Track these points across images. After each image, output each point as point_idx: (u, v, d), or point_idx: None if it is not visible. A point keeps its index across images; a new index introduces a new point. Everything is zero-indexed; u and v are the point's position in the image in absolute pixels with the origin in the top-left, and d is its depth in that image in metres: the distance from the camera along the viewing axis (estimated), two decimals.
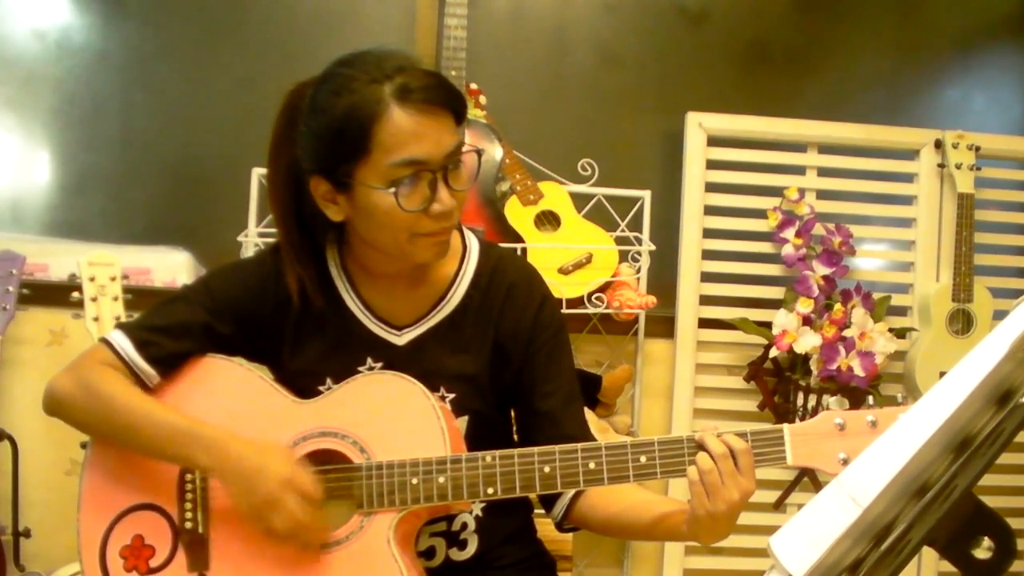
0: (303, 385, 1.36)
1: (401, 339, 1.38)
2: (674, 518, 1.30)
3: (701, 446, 1.23)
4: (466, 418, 1.38)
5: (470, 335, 1.39)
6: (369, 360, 1.37)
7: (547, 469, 1.26)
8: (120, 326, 1.38)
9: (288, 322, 1.38)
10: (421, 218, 1.26)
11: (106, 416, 1.30)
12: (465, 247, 1.43)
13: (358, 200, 1.27)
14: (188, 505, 1.31)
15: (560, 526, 1.44)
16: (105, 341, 1.36)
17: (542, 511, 1.46)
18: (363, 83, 1.23)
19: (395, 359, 1.37)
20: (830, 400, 1.26)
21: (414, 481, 1.26)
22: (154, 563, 1.30)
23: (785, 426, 1.24)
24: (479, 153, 1.33)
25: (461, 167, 1.28)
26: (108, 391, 1.30)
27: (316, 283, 1.37)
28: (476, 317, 1.39)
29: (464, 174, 1.29)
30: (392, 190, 1.23)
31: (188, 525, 1.31)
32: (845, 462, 1.20)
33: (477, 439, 1.34)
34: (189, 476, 1.32)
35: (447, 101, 1.25)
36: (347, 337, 1.38)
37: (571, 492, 1.39)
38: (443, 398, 1.36)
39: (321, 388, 1.36)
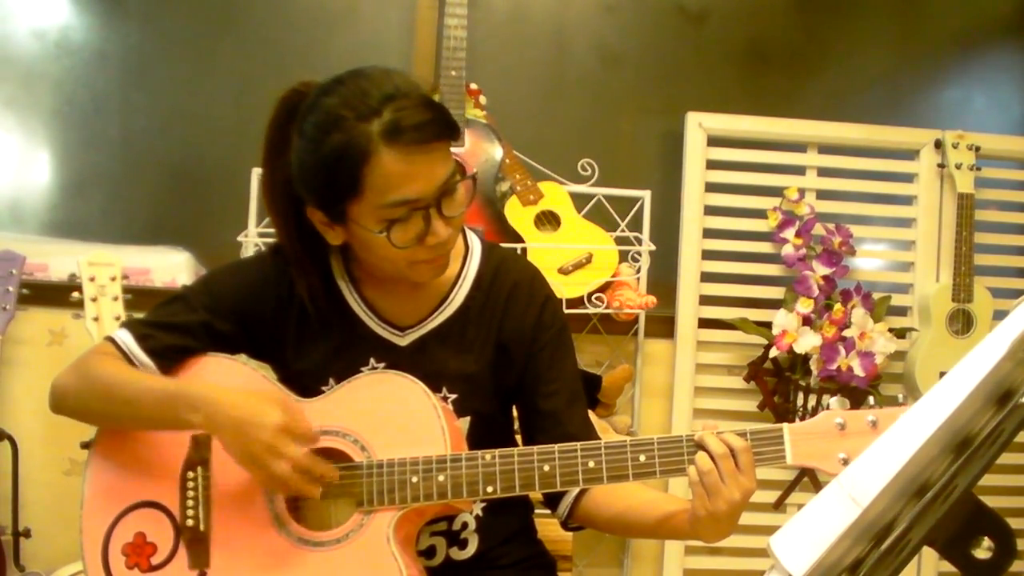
0: (306, 385, 1.37)
1: (404, 340, 1.39)
2: (677, 517, 1.30)
3: (701, 446, 1.23)
4: (468, 418, 1.38)
5: (473, 335, 1.39)
6: (372, 361, 1.38)
7: (546, 468, 1.26)
8: (123, 324, 1.40)
9: (291, 322, 1.39)
10: (417, 249, 1.26)
11: (104, 395, 1.31)
12: (467, 248, 1.43)
13: (353, 233, 1.28)
14: (190, 503, 1.31)
15: (565, 525, 1.44)
16: (108, 337, 1.37)
17: (543, 511, 1.46)
18: (351, 121, 1.21)
19: (398, 360, 1.37)
20: (831, 400, 1.26)
21: (414, 479, 1.26)
22: (156, 560, 1.31)
23: (785, 425, 1.24)
24: (473, 179, 1.30)
25: (455, 192, 1.27)
26: (103, 371, 1.31)
27: (320, 287, 1.38)
28: (479, 318, 1.40)
29: (458, 199, 1.28)
30: (384, 233, 1.23)
31: (189, 523, 1.31)
32: (845, 462, 1.20)
33: (479, 439, 1.34)
34: (191, 474, 1.32)
35: (439, 135, 1.23)
36: (351, 338, 1.38)
37: (575, 491, 1.39)
38: (445, 398, 1.36)
39: (324, 388, 1.36)
